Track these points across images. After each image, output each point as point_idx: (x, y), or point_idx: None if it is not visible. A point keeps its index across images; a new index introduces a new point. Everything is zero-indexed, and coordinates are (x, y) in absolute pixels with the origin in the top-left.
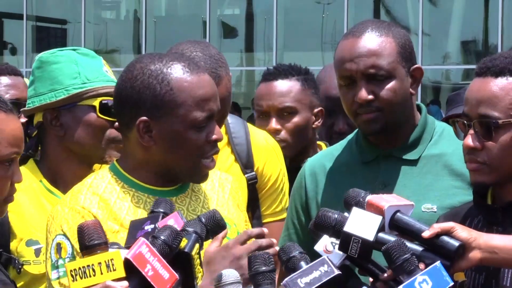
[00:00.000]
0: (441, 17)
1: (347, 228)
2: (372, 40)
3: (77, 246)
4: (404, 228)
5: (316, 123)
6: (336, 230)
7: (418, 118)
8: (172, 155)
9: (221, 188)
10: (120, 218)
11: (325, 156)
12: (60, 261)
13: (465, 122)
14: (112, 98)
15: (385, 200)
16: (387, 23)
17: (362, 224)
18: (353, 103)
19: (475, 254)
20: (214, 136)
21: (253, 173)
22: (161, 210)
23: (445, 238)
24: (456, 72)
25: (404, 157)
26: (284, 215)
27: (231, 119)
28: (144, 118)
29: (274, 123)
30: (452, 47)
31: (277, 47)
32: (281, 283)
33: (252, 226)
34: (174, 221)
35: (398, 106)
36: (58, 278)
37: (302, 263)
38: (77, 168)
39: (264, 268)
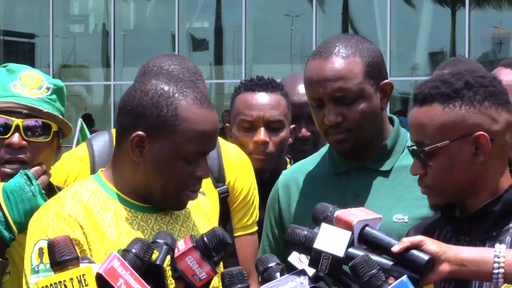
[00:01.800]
0: (409, 29)
1: (317, 245)
2: (339, 63)
3: None
4: (373, 242)
5: (290, 139)
6: (306, 246)
7: (390, 130)
8: (155, 177)
9: (199, 211)
10: (102, 230)
11: (298, 168)
12: (41, 266)
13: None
14: (6, 116)
15: (354, 215)
16: (355, 39)
17: (331, 240)
18: (323, 123)
19: (444, 267)
20: (200, 173)
21: (225, 187)
22: (162, 241)
23: (415, 252)
24: None
25: (376, 168)
26: (255, 228)
27: None
28: (141, 133)
29: (263, 135)
30: (420, 59)
31: (246, 59)
32: None
33: None
34: (183, 243)
35: (367, 125)
36: (36, 283)
37: (278, 274)
38: None
39: (239, 285)
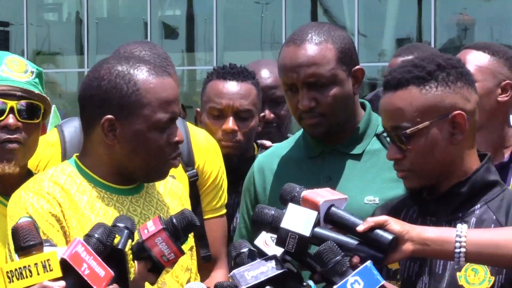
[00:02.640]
0: (376, 16)
1: (284, 224)
2: (312, 49)
3: (44, 227)
4: (339, 222)
5: (259, 127)
6: (273, 226)
7: (362, 115)
8: (134, 154)
9: (173, 195)
10: (80, 209)
11: (273, 152)
12: None
13: (386, 135)
14: (0, 99)
15: (320, 195)
16: (327, 27)
17: (298, 219)
18: (297, 108)
19: (407, 246)
20: (175, 138)
21: (194, 171)
22: (123, 225)
23: (379, 231)
24: None
25: (348, 152)
26: (223, 211)
27: None
28: (110, 116)
29: (232, 123)
30: (387, 45)
31: (217, 47)
32: (229, 274)
33: None
34: (151, 222)
35: (340, 110)
36: None
37: (250, 259)
38: None
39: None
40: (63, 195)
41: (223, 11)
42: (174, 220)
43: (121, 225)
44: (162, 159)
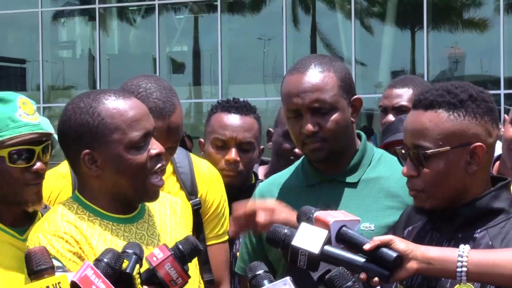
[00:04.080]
0: (372, 49)
1: (295, 242)
2: (316, 76)
3: (69, 267)
4: (348, 241)
5: (258, 158)
6: (285, 244)
7: (358, 145)
8: (121, 178)
9: (173, 211)
10: (94, 245)
11: (273, 181)
12: None
13: (403, 151)
14: (29, 146)
15: (331, 216)
16: (328, 58)
17: (309, 238)
18: (300, 134)
19: (412, 265)
20: (154, 151)
21: (197, 199)
22: (131, 251)
23: (384, 249)
24: None
25: (345, 180)
26: (226, 237)
27: None
28: (87, 150)
29: (234, 154)
30: (382, 77)
31: (222, 80)
32: None
33: None
34: (158, 250)
35: (340, 135)
36: None
37: (266, 281)
38: (10, 210)
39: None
40: (78, 232)
41: (228, 46)
42: (180, 246)
43: (130, 251)
44: (146, 176)
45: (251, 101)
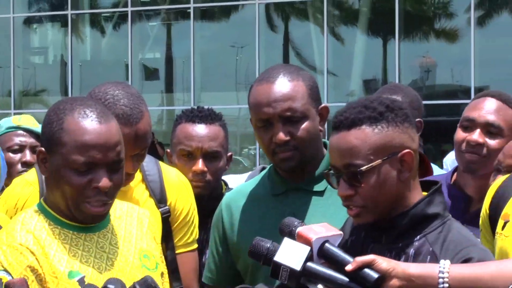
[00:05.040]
0: (344, 58)
1: (277, 257)
2: (286, 85)
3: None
4: (330, 258)
5: (226, 166)
6: (267, 258)
7: (324, 153)
8: (56, 189)
9: (140, 222)
10: (50, 256)
11: (239, 190)
12: None
13: (335, 173)
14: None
15: (313, 232)
16: (295, 67)
17: (291, 254)
18: (271, 143)
19: (394, 283)
20: (95, 184)
21: (167, 207)
22: (113, 286)
23: (366, 270)
24: None
25: (311, 189)
26: (195, 246)
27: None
28: (42, 149)
29: (201, 165)
30: (354, 85)
31: (194, 88)
32: None
33: (166, 257)
34: None
35: (311, 144)
36: None
37: None
38: None
39: None
40: (35, 242)
41: (200, 54)
42: (138, 287)
43: (111, 286)
44: (80, 200)
45: (223, 109)
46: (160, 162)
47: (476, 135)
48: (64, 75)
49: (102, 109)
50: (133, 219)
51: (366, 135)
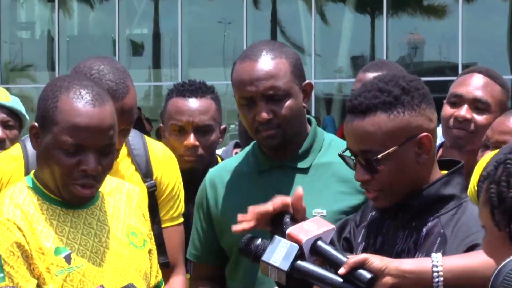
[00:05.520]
0: (332, 35)
1: (265, 257)
2: (268, 63)
3: (4, 255)
4: (322, 256)
5: (220, 139)
6: (256, 256)
7: (309, 130)
8: (45, 167)
9: (129, 199)
10: (37, 232)
11: (223, 167)
12: None
13: (351, 156)
14: None
15: (304, 232)
16: (278, 44)
17: (280, 253)
18: (254, 121)
19: (387, 280)
20: (83, 167)
21: (153, 181)
22: None
23: (359, 271)
24: (347, 85)
25: (296, 166)
26: (180, 220)
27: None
28: (35, 124)
29: (193, 139)
30: (342, 62)
31: (182, 63)
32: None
33: (153, 231)
34: None
35: (294, 121)
36: None
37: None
38: None
39: None
40: (23, 217)
41: (188, 29)
42: None
43: None
44: (67, 181)
45: (210, 85)
46: (146, 136)
47: (464, 111)
48: (51, 50)
49: (99, 91)
50: (122, 195)
51: (381, 122)
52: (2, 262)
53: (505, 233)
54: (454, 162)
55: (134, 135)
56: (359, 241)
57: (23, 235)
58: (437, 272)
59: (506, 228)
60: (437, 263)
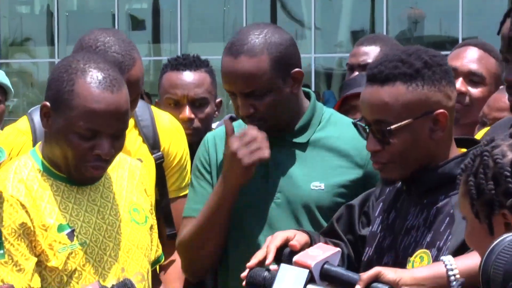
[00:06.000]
0: (332, 9)
1: (275, 286)
2: (247, 63)
3: (5, 232)
4: (333, 278)
5: (216, 113)
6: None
7: (307, 105)
8: (56, 147)
9: (131, 175)
10: (41, 209)
11: (222, 132)
12: None
13: (364, 125)
14: None
15: (311, 258)
16: (264, 34)
17: (289, 280)
18: (238, 112)
19: None
20: (97, 151)
21: (160, 153)
22: None
23: (375, 284)
24: (347, 59)
25: (294, 140)
26: (187, 191)
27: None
28: (47, 103)
29: (188, 112)
30: (342, 37)
31: (181, 38)
32: None
33: (160, 203)
34: None
35: (279, 113)
36: None
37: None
38: None
39: None
40: (27, 193)
41: (187, 4)
42: None
43: None
44: (80, 162)
45: (210, 60)
46: (153, 107)
47: (459, 84)
48: (51, 25)
49: (115, 75)
50: (124, 170)
51: (399, 93)
52: (3, 239)
53: (486, 224)
54: (473, 142)
55: (140, 106)
56: (376, 214)
57: (27, 212)
58: (454, 275)
59: (486, 220)
60: (451, 266)
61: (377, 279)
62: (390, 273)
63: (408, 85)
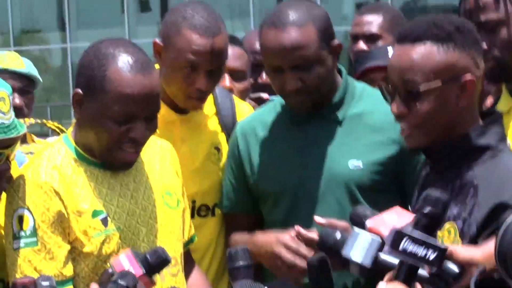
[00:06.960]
0: None
1: (345, 251)
2: (295, 33)
3: (39, 220)
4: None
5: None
6: (335, 251)
7: (340, 81)
8: (90, 133)
9: (162, 157)
10: (75, 195)
11: (255, 118)
12: (22, 233)
13: (390, 87)
14: None
15: (385, 225)
16: (305, 6)
17: (360, 247)
18: (283, 89)
19: (472, 271)
20: (132, 135)
21: None
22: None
23: (447, 263)
24: None
25: (330, 118)
26: None
27: (218, 90)
28: (79, 90)
29: (228, 82)
30: (347, 10)
31: None
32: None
33: None
34: (128, 262)
35: (323, 86)
36: (19, 248)
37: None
38: None
39: (241, 263)
40: (60, 179)
41: None
42: (149, 259)
43: (122, 283)
44: (114, 146)
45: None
46: (234, 97)
47: None
48: (61, 10)
49: (144, 58)
50: (155, 153)
51: (430, 52)
52: (37, 226)
53: None
54: (490, 113)
55: (223, 95)
56: (414, 204)
57: (60, 199)
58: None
59: None
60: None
61: (449, 258)
62: (462, 251)
63: (439, 46)
